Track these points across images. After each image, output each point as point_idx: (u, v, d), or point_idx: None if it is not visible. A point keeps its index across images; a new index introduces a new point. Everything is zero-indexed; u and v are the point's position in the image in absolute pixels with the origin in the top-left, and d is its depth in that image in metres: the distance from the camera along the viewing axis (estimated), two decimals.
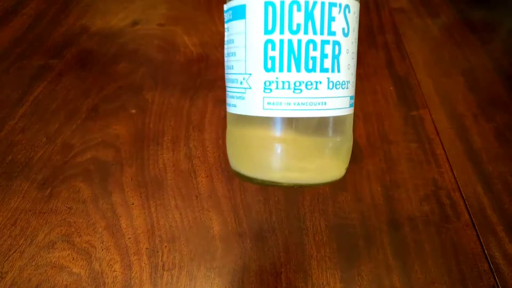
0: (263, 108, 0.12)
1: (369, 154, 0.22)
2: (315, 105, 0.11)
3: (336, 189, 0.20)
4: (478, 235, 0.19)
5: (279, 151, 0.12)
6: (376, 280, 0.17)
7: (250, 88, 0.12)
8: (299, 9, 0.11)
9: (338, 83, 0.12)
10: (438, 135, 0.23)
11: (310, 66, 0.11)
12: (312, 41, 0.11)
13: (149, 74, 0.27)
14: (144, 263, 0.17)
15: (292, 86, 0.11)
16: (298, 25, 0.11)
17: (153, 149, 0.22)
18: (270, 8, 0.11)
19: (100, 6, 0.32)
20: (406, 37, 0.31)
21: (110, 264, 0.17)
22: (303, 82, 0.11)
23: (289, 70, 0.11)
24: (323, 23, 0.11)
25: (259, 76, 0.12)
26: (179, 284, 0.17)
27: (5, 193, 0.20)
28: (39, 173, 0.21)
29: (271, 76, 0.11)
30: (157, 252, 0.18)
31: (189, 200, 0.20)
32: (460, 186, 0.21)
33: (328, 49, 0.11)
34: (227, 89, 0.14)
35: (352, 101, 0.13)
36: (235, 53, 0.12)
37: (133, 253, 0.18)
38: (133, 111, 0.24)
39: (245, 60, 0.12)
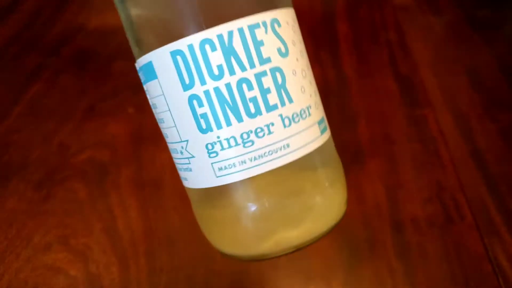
0: (216, 176, 0.09)
1: (372, 154, 0.22)
2: (276, 152, 0.09)
3: None
4: (481, 237, 0.19)
5: (258, 217, 0.10)
6: (378, 282, 0.17)
7: (193, 156, 0.10)
8: (213, 48, 0.09)
9: (295, 115, 0.09)
10: (442, 135, 0.23)
11: (253, 110, 0.09)
12: (243, 79, 0.09)
13: None
14: (142, 265, 0.17)
15: (239, 140, 0.09)
16: (220, 67, 0.09)
17: (151, 149, 0.22)
18: (179, 59, 0.09)
19: (97, 3, 0.32)
20: (409, 35, 0.30)
21: (107, 267, 0.17)
22: (251, 131, 0.09)
23: (229, 123, 0.09)
24: (250, 53, 0.09)
25: (197, 141, 0.10)
26: (177, 287, 0.16)
27: (1, 194, 0.19)
28: (35, 174, 0.20)
29: (210, 137, 0.09)
30: (155, 254, 0.17)
31: (187, 202, 0.20)
32: (464, 187, 0.21)
33: (267, 81, 0.09)
34: (174, 160, 0.12)
35: (324, 124, 0.10)
36: (163, 119, 0.10)
37: (131, 255, 0.17)
38: (131, 110, 0.24)
39: (175, 126, 0.10)
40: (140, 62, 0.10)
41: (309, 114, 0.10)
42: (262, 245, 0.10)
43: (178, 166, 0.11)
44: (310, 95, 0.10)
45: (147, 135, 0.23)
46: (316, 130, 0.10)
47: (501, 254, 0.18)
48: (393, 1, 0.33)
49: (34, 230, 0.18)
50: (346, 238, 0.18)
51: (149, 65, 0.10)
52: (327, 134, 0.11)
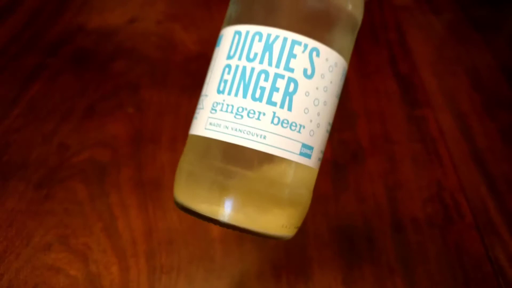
0: (205, 128, 0.12)
1: (372, 154, 0.22)
2: (253, 135, 0.11)
3: (338, 190, 0.20)
4: (481, 237, 0.19)
5: (214, 180, 0.11)
6: (378, 282, 0.17)
7: (203, 108, 0.12)
8: (260, 40, 0.11)
9: (285, 121, 0.11)
10: (441, 135, 0.23)
11: (257, 95, 0.11)
12: (265, 71, 0.11)
13: (147, 73, 0.26)
14: (142, 265, 0.17)
15: (234, 110, 0.11)
16: (256, 54, 0.11)
17: (151, 149, 0.22)
18: (237, 37, 0.12)
19: (96, 3, 0.32)
20: (409, 34, 0.30)
21: (107, 267, 0.17)
22: (246, 109, 0.11)
23: (236, 94, 0.11)
24: (281, 57, 0.11)
25: (211, 97, 0.12)
26: (177, 287, 0.16)
27: (1, 194, 0.19)
28: (35, 174, 0.20)
29: (220, 98, 0.12)
30: (155, 254, 0.17)
31: None
32: (464, 187, 0.21)
33: (281, 83, 0.11)
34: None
35: (309, 151, 0.12)
36: (207, 76, 0.13)
37: (131, 255, 0.17)
38: (131, 110, 0.24)
39: (207, 83, 0.13)
40: (220, 34, 0.13)
41: (299, 131, 0.11)
42: (200, 203, 0.11)
43: (194, 116, 0.13)
44: (311, 121, 0.12)
45: (147, 135, 0.23)
46: (296, 147, 0.11)
47: (501, 254, 0.18)
48: (393, 1, 0.33)
49: (34, 230, 0.18)
50: (346, 237, 0.18)
51: (221, 37, 0.13)
52: (308, 162, 0.12)
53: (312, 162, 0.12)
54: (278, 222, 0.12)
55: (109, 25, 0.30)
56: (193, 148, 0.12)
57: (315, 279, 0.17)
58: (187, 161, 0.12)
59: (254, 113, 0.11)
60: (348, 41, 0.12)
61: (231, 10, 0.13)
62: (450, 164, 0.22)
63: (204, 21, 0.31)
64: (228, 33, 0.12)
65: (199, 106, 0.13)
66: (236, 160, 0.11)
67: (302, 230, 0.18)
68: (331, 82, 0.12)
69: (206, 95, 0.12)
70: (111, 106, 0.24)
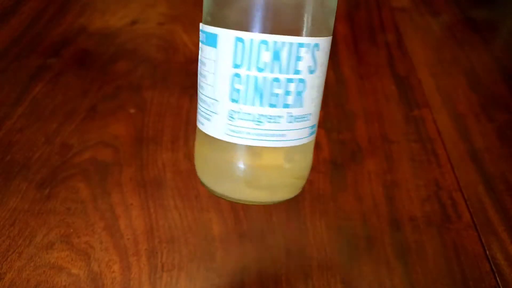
0: (225, 134, 0.13)
1: (370, 154, 0.22)
2: (274, 136, 0.12)
3: (337, 189, 0.20)
4: (479, 236, 0.19)
5: (236, 172, 0.13)
6: (377, 281, 0.17)
7: (216, 113, 0.13)
8: (267, 49, 0.12)
9: (298, 116, 0.13)
10: (439, 135, 0.23)
11: (273, 102, 0.12)
12: (277, 79, 0.12)
13: (148, 74, 0.27)
14: (143, 264, 0.17)
15: (254, 118, 0.12)
16: (265, 64, 0.12)
17: (152, 149, 0.22)
18: (239, 44, 0.12)
19: (98, 5, 0.32)
20: (407, 36, 0.30)
21: (109, 265, 0.17)
22: (265, 116, 0.12)
23: (253, 104, 0.12)
24: (290, 62, 0.12)
25: (225, 104, 0.13)
26: (178, 285, 0.17)
27: (4, 193, 0.20)
28: (37, 173, 0.21)
29: (236, 106, 0.12)
30: (156, 253, 0.18)
31: (188, 200, 0.20)
32: (461, 187, 0.21)
33: (292, 87, 0.12)
34: (198, 104, 0.14)
35: (313, 129, 0.14)
36: (206, 76, 0.13)
37: (132, 254, 0.18)
38: (132, 110, 0.24)
39: (214, 86, 0.13)
40: (207, 29, 0.13)
41: (308, 120, 0.13)
42: (229, 190, 0.14)
43: (199, 111, 0.14)
44: (315, 106, 0.13)
45: (148, 135, 0.23)
46: (306, 132, 0.13)
47: (499, 253, 0.18)
48: (391, 3, 0.34)
49: (37, 229, 0.18)
50: (345, 236, 0.18)
51: (214, 36, 0.12)
52: (313, 137, 0.14)
53: (315, 134, 0.14)
54: (295, 185, 0.15)
55: (111, 26, 0.30)
56: (212, 144, 0.14)
57: (314, 277, 0.17)
58: (208, 155, 0.14)
59: (272, 118, 0.12)
60: (330, 15, 0.13)
61: (213, 7, 0.12)
62: (448, 163, 0.22)
63: None
64: (226, 38, 0.12)
65: (208, 107, 0.13)
66: (255, 156, 0.13)
67: (302, 230, 0.19)
68: (326, 63, 0.13)
69: (217, 101, 0.13)
70: (113, 106, 0.24)
